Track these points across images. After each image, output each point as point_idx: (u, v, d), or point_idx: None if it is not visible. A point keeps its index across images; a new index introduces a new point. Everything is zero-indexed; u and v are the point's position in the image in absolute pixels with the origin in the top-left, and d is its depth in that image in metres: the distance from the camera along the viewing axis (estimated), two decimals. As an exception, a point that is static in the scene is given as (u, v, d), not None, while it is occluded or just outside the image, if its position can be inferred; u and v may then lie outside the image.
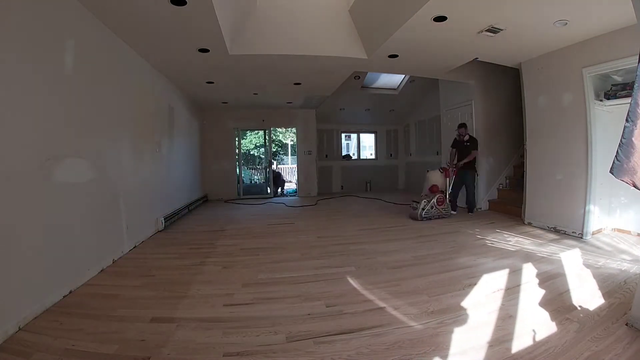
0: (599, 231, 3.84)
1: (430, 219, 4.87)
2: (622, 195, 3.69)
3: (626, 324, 1.80)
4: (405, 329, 1.84)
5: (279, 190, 9.16)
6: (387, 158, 9.79)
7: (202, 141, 7.76)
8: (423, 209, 4.82)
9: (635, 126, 1.59)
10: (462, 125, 5.27)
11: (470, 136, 5.23)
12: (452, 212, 5.25)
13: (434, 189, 5.05)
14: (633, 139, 1.60)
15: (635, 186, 1.62)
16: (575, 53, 3.75)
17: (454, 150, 5.39)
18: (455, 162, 5.29)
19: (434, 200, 4.92)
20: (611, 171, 1.72)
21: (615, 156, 1.69)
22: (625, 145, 1.64)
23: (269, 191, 8.77)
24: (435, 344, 1.68)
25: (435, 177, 5.13)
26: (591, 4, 2.85)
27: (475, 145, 5.16)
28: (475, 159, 5.22)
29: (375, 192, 8.98)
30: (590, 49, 3.57)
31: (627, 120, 1.63)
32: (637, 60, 1.65)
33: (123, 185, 3.43)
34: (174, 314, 2.06)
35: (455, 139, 5.40)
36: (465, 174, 5.24)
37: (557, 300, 2.15)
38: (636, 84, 1.60)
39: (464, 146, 5.21)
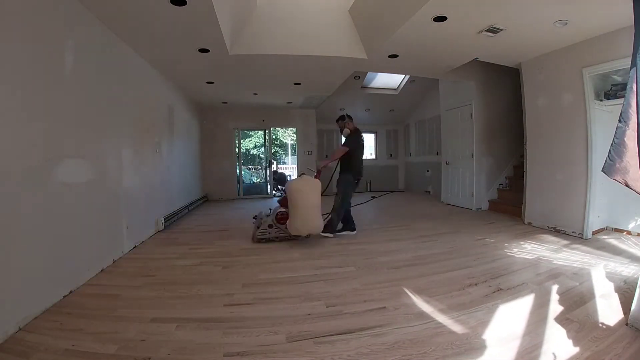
0: (599, 231, 3.84)
1: (270, 240, 3.77)
2: (622, 195, 3.68)
3: (626, 324, 1.80)
4: (406, 329, 1.84)
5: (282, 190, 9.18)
6: (387, 158, 9.79)
7: (202, 141, 7.76)
8: (258, 227, 3.79)
9: (628, 127, 1.63)
10: (340, 118, 4.18)
11: (350, 130, 4.08)
12: (343, 231, 4.13)
13: (283, 202, 3.84)
14: (625, 139, 1.64)
15: (627, 185, 1.65)
16: (575, 53, 3.75)
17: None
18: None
19: (273, 216, 3.77)
20: (603, 170, 1.76)
21: (608, 156, 1.73)
22: (617, 145, 1.67)
23: (269, 191, 8.78)
24: (435, 344, 1.68)
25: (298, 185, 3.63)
26: (591, 4, 2.85)
27: (346, 142, 4.02)
28: (347, 159, 4.00)
29: (373, 191, 8.97)
30: (590, 49, 3.57)
31: (619, 121, 1.67)
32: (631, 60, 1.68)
33: (123, 185, 3.43)
34: (174, 314, 2.06)
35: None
36: (339, 180, 4.12)
37: (556, 300, 2.15)
38: (628, 85, 1.65)
39: None
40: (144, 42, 3.57)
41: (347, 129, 4.09)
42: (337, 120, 4.20)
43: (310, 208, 3.52)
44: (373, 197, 7.61)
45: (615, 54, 3.30)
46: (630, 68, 1.64)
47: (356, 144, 4.03)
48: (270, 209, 4.00)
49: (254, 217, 3.94)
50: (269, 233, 3.75)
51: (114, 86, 3.28)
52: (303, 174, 3.89)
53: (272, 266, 3.01)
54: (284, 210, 3.75)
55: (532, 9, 2.97)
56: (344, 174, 4.08)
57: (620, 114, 1.67)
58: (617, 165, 1.67)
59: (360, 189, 9.25)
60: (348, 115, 4.15)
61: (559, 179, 4.03)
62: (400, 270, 2.83)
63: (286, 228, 3.69)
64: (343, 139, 4.13)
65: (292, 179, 3.83)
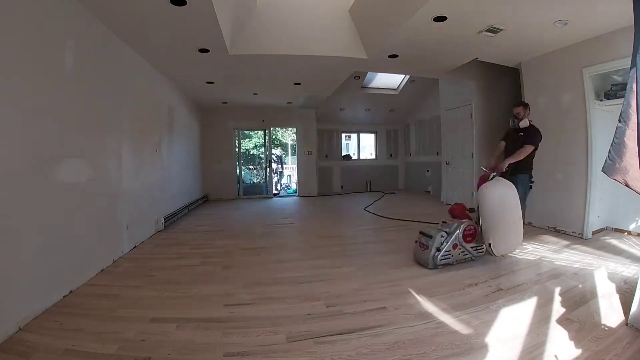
0: (599, 231, 3.84)
1: (451, 264, 2.87)
2: (622, 195, 3.68)
3: (626, 324, 1.80)
4: (406, 329, 1.84)
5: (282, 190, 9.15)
6: (387, 158, 9.79)
7: (202, 141, 7.76)
8: (438, 250, 2.82)
9: (627, 126, 1.63)
10: (519, 104, 3.37)
11: (530, 123, 3.29)
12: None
13: (456, 210, 3.16)
14: (625, 139, 1.64)
15: (627, 185, 1.65)
16: (575, 53, 3.75)
17: (503, 143, 3.43)
18: (496, 163, 3.22)
19: (459, 233, 2.85)
20: (603, 170, 1.76)
21: (608, 155, 1.73)
22: (617, 145, 1.68)
23: (269, 191, 8.78)
24: (435, 344, 1.68)
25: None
26: (591, 4, 2.86)
27: (532, 137, 3.19)
28: (530, 159, 3.26)
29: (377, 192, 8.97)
30: (590, 49, 3.57)
31: (619, 121, 1.68)
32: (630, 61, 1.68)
33: (123, 185, 3.43)
34: (174, 314, 2.06)
35: (510, 126, 3.41)
36: (515, 181, 3.07)
37: (556, 300, 2.15)
38: (628, 85, 1.65)
39: (517, 137, 3.28)
40: (144, 42, 3.57)
41: (527, 120, 3.29)
42: (517, 106, 3.37)
43: (519, 220, 2.89)
44: (368, 206, 7.52)
45: (615, 54, 3.30)
46: (630, 68, 1.65)
47: (539, 140, 3.23)
48: (444, 223, 2.99)
49: (422, 234, 2.96)
50: (452, 255, 2.86)
51: (113, 86, 3.28)
52: (494, 174, 3.02)
53: (272, 266, 3.00)
54: (472, 225, 2.92)
55: (532, 9, 2.97)
56: (523, 174, 3.28)
57: (620, 114, 1.67)
58: (617, 165, 1.67)
59: (359, 189, 9.31)
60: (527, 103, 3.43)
61: (559, 179, 4.03)
62: (400, 270, 2.83)
63: (473, 248, 2.91)
64: (521, 129, 3.28)
65: (486, 184, 2.94)
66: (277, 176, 9.08)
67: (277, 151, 9.80)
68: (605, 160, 1.74)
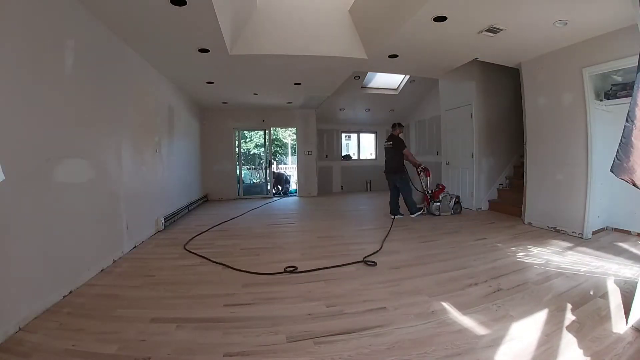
0: (599, 231, 3.84)
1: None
2: (622, 196, 3.68)
3: (626, 324, 1.80)
4: (406, 329, 1.84)
5: (281, 191, 9.11)
6: (387, 158, 9.78)
7: (202, 141, 7.76)
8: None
9: (635, 126, 1.62)
10: (399, 125, 5.41)
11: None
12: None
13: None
14: (632, 138, 1.63)
15: (634, 184, 1.65)
16: (575, 53, 3.75)
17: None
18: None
19: None
20: (611, 170, 1.76)
21: (616, 155, 1.73)
22: (624, 144, 1.67)
23: (269, 191, 8.78)
24: (435, 344, 1.68)
25: None
26: (591, 4, 2.85)
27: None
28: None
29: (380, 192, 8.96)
30: (590, 49, 3.57)
31: (627, 120, 1.67)
32: (638, 61, 1.68)
33: (123, 185, 3.43)
34: (174, 314, 2.06)
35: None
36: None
37: (556, 300, 2.15)
38: (636, 85, 1.63)
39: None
40: (144, 42, 3.57)
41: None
42: (397, 126, 5.38)
43: None
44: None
45: (615, 54, 3.30)
46: (638, 70, 1.65)
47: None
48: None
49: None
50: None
51: (114, 86, 3.28)
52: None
53: (272, 266, 3.00)
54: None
55: (532, 9, 2.97)
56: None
57: (628, 114, 1.66)
58: (625, 164, 1.67)
59: (359, 189, 9.31)
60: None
61: (559, 179, 4.03)
62: (400, 270, 2.83)
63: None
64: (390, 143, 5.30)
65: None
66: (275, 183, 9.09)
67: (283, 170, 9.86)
68: (614, 160, 1.74)
